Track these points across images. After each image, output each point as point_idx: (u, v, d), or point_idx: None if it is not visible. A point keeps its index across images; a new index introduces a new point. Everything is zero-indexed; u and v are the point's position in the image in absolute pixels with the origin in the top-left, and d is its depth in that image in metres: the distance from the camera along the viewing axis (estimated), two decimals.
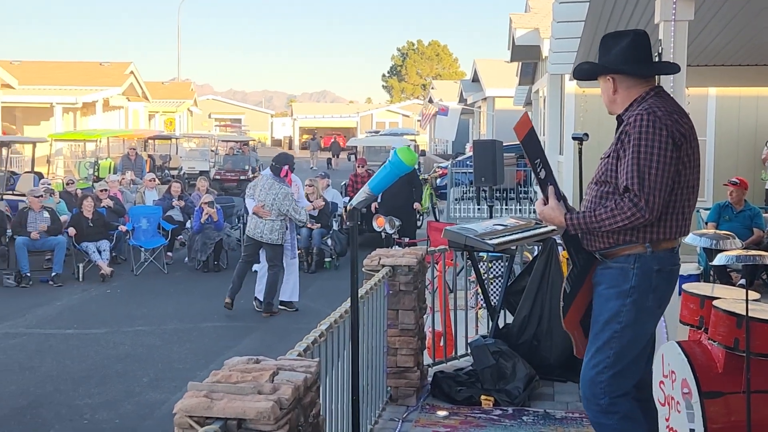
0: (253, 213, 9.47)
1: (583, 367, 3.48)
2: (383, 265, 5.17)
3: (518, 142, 3.71)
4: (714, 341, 3.93)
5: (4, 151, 17.77)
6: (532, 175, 3.69)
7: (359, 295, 3.87)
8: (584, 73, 3.65)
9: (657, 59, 4.66)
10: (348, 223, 3.74)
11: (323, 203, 12.43)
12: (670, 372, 4.11)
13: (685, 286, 4.44)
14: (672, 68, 3.84)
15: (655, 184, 3.20)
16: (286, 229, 9.46)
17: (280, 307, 9.67)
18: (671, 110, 3.32)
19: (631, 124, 3.29)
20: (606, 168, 3.40)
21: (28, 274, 11.34)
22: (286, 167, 9.55)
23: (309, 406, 2.61)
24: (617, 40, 3.49)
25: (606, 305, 3.41)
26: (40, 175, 17.59)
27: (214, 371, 2.53)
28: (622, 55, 3.44)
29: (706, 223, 9.25)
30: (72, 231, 11.91)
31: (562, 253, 5.92)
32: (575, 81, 11.64)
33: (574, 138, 7.18)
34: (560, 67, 11.67)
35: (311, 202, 11.91)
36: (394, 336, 5.25)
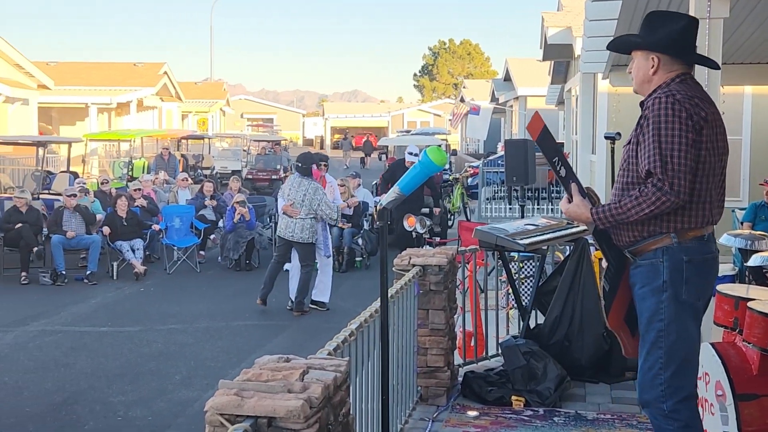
0: (283, 212, 9.47)
1: (639, 371, 3.36)
2: (413, 265, 5.17)
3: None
4: (749, 343, 3.88)
5: (41, 151, 18.03)
6: None
7: (389, 295, 3.88)
8: (629, 45, 3.53)
9: None
10: (378, 222, 3.74)
11: (357, 200, 12.41)
12: (704, 374, 4.07)
13: (719, 287, 4.38)
14: (712, 63, 3.77)
15: (679, 167, 3.09)
16: (317, 227, 9.43)
17: (311, 305, 9.70)
18: (692, 95, 3.23)
19: (649, 108, 3.22)
20: (627, 155, 3.32)
21: (64, 273, 11.51)
22: (314, 166, 9.52)
23: (339, 405, 2.62)
24: (670, 20, 3.37)
25: (644, 305, 3.32)
26: (75, 175, 17.84)
27: (244, 369, 2.54)
28: (677, 37, 3.32)
29: (742, 223, 9.12)
30: (106, 230, 12.05)
31: (595, 253, 5.88)
32: (608, 80, 11.58)
33: (606, 137, 7.13)
34: (593, 66, 11.58)
35: (345, 201, 11.89)
36: (425, 336, 5.25)
